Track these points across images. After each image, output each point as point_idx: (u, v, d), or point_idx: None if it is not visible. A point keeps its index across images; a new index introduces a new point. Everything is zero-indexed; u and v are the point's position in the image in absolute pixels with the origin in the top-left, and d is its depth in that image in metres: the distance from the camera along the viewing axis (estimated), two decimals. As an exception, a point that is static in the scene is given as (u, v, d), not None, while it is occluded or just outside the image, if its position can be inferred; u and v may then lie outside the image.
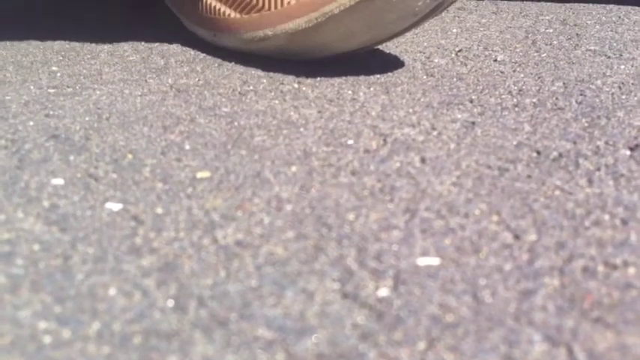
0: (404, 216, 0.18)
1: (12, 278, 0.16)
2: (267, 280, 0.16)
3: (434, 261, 0.16)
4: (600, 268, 0.16)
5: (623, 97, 0.27)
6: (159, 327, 0.14)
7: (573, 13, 0.44)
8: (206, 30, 0.35)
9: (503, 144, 0.23)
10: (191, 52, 0.34)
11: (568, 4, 0.47)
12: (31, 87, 0.29)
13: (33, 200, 0.19)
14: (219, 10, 0.33)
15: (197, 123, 0.25)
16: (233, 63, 0.32)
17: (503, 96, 0.27)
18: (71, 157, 0.22)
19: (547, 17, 0.43)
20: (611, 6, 0.46)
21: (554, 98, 0.27)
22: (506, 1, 0.48)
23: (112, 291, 0.15)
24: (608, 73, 0.30)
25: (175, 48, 0.35)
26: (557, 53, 0.34)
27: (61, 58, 0.34)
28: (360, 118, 0.25)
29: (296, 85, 0.29)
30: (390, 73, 0.31)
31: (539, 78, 0.30)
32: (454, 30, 0.39)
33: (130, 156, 0.22)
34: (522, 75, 0.30)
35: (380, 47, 0.34)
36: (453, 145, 0.23)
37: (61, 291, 0.15)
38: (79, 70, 0.32)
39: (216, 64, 0.32)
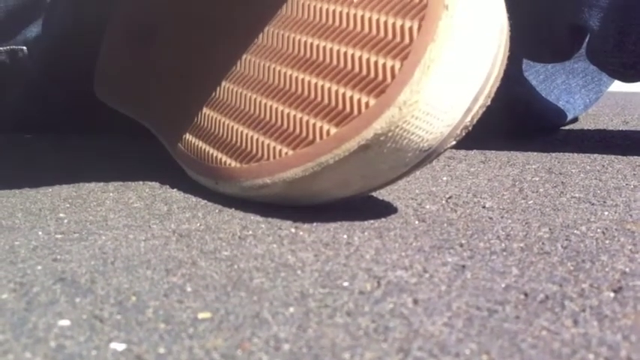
0: (397, 355, 0.19)
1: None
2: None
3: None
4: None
5: (607, 241, 0.28)
6: None
7: (559, 162, 0.46)
8: (208, 178, 0.36)
9: (492, 286, 0.23)
10: (193, 199, 0.36)
11: (553, 154, 0.49)
12: (40, 233, 0.30)
13: (40, 341, 0.20)
14: (220, 159, 0.35)
15: (198, 266, 0.26)
16: (233, 209, 0.34)
17: (491, 241, 0.29)
18: (77, 300, 0.23)
19: (533, 166, 0.45)
20: (595, 155, 0.48)
21: (540, 243, 0.28)
22: (494, 151, 0.50)
23: None
24: (592, 219, 0.32)
25: (178, 195, 0.37)
26: (544, 200, 0.35)
27: (68, 205, 0.35)
28: (354, 261, 0.26)
29: (293, 230, 0.30)
30: (383, 219, 0.32)
31: (526, 224, 0.31)
32: (444, 178, 0.41)
33: (133, 298, 0.23)
34: (510, 221, 0.32)
35: (373, 194, 0.35)
36: (444, 287, 0.23)
37: None
38: (85, 216, 0.33)
39: (217, 210, 0.34)
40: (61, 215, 0.33)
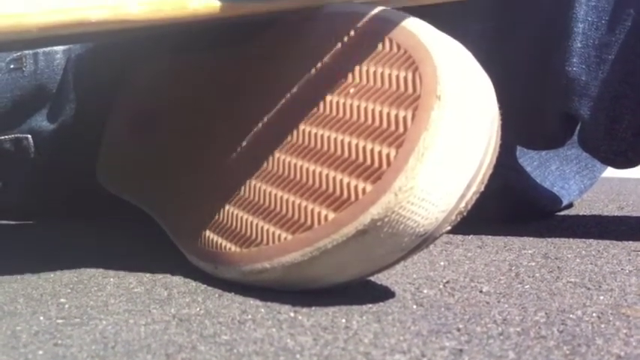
0: None
1: None
2: None
3: None
4: None
5: (602, 326, 0.29)
6: None
7: (554, 247, 0.46)
8: (207, 262, 0.37)
9: (489, 370, 0.24)
10: (193, 284, 0.36)
11: (549, 239, 0.49)
12: (41, 318, 0.31)
13: None
14: (221, 244, 0.35)
15: (198, 350, 0.26)
16: (233, 293, 0.34)
17: (488, 325, 0.29)
18: (78, 384, 0.23)
19: (529, 251, 0.45)
20: (591, 240, 0.49)
21: (537, 327, 0.29)
22: (490, 236, 0.50)
23: None
24: (587, 304, 0.32)
25: (178, 280, 0.37)
26: (540, 285, 0.36)
27: (69, 290, 0.36)
28: (353, 345, 0.26)
29: (292, 314, 0.30)
30: (381, 303, 0.32)
31: (522, 308, 0.32)
32: (442, 262, 0.41)
33: (133, 382, 0.23)
34: (506, 305, 0.32)
35: (371, 278, 0.36)
36: (441, 371, 0.24)
37: None
38: (86, 301, 0.33)
39: (216, 295, 0.34)
40: (63, 300, 0.34)
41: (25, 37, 0.30)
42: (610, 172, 0.70)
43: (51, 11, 0.30)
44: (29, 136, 0.54)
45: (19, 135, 0.54)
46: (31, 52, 0.53)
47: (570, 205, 0.69)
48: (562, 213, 0.66)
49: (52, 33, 0.31)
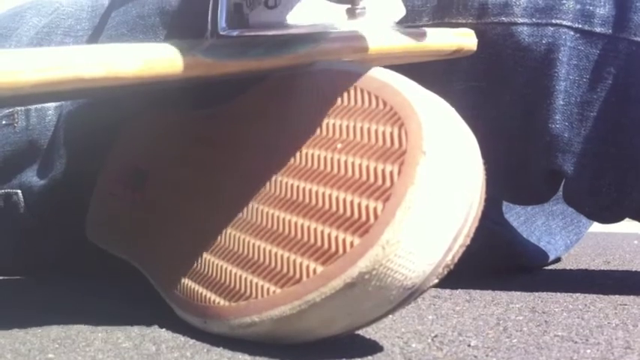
0: None
1: None
2: None
3: None
4: None
5: (589, 378, 0.29)
6: None
7: (542, 301, 0.47)
8: (196, 317, 0.37)
9: (477, 422, 0.24)
10: (181, 338, 0.36)
11: (536, 293, 0.50)
12: (28, 372, 0.30)
13: None
14: (209, 298, 0.36)
15: (186, 404, 0.26)
16: (221, 348, 0.34)
17: (476, 378, 0.29)
18: None
19: (517, 305, 0.45)
20: (578, 294, 0.49)
21: (524, 379, 0.29)
22: (478, 290, 0.51)
23: None
24: (575, 357, 0.32)
25: (166, 334, 0.37)
26: (527, 339, 0.36)
27: (57, 345, 0.36)
28: (341, 398, 0.26)
29: (281, 368, 0.30)
30: (369, 357, 0.32)
31: (510, 361, 0.32)
32: (430, 316, 0.42)
33: None
34: (495, 359, 0.32)
35: (360, 332, 0.36)
36: None
37: None
38: (74, 356, 0.33)
39: (205, 349, 0.34)
40: (50, 356, 0.33)
41: (19, 93, 0.31)
42: (596, 226, 0.71)
43: (45, 68, 0.31)
44: (19, 191, 0.54)
45: (8, 190, 0.54)
46: (23, 108, 0.54)
47: (557, 260, 0.69)
48: (549, 267, 0.66)
49: (45, 90, 0.31)
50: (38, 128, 0.53)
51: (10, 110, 0.54)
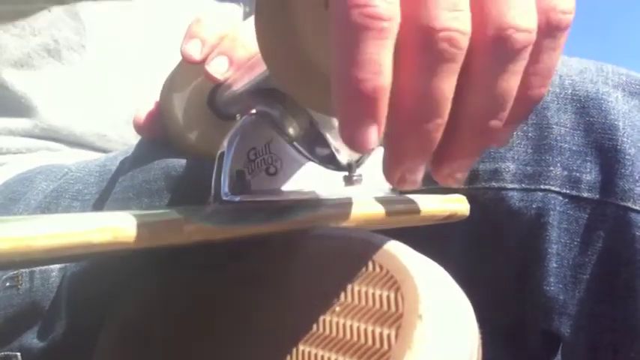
0: None
1: None
2: None
3: None
4: None
5: None
6: None
7: None
8: None
9: None
10: None
11: None
12: None
13: None
14: None
15: None
16: None
17: None
18: None
19: None
20: None
21: None
22: None
23: None
24: None
25: None
26: None
27: None
28: None
29: None
30: None
31: None
32: None
33: None
34: None
35: None
36: None
37: None
38: None
39: None
40: None
41: (29, 258, 0.32)
42: None
43: (56, 235, 0.32)
44: (18, 354, 0.54)
45: (8, 352, 0.54)
46: (27, 270, 0.55)
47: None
48: None
49: (54, 255, 0.32)
50: (41, 290, 0.54)
51: (15, 273, 0.55)
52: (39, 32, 0.75)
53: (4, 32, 0.76)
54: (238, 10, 0.87)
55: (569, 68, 0.50)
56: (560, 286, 0.49)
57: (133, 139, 0.58)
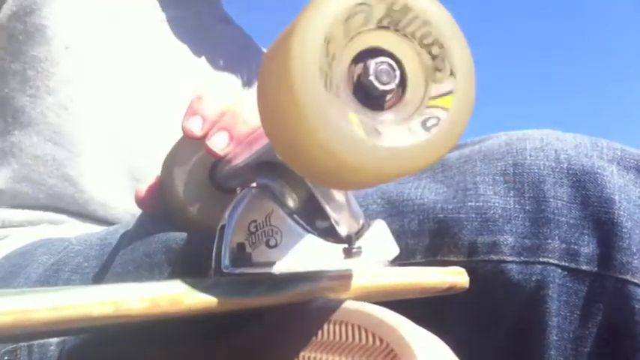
0: None
1: None
2: None
3: None
4: None
5: None
6: None
7: None
8: None
9: None
10: None
11: None
12: None
13: None
14: None
15: None
16: None
17: None
18: None
19: None
20: None
21: None
22: None
23: None
24: None
25: None
26: None
27: None
28: None
29: None
30: None
31: None
32: None
33: None
34: None
35: None
36: None
37: None
38: None
39: None
40: None
41: (30, 331, 0.32)
42: None
43: (57, 307, 0.32)
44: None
45: None
46: (26, 343, 0.55)
47: None
48: None
49: (55, 327, 0.32)
50: (40, 364, 0.54)
51: (14, 346, 0.55)
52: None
53: None
54: (236, 81, 0.89)
55: (565, 143, 0.51)
56: (561, 359, 0.48)
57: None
